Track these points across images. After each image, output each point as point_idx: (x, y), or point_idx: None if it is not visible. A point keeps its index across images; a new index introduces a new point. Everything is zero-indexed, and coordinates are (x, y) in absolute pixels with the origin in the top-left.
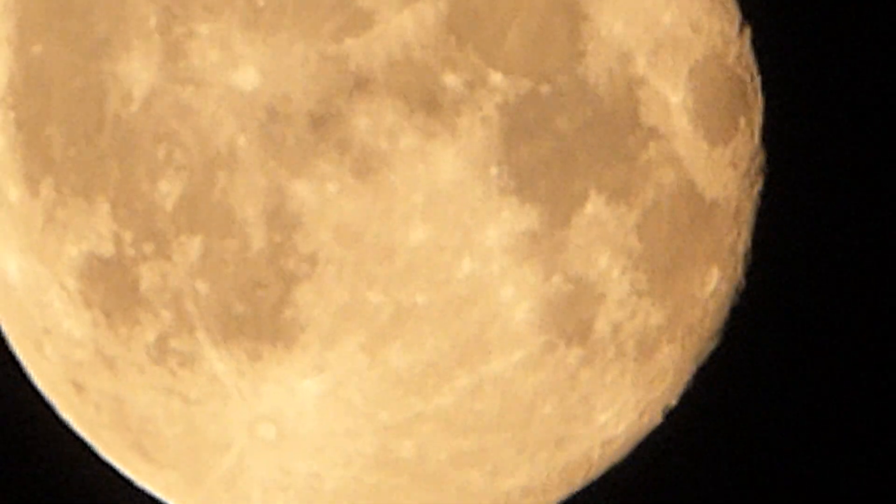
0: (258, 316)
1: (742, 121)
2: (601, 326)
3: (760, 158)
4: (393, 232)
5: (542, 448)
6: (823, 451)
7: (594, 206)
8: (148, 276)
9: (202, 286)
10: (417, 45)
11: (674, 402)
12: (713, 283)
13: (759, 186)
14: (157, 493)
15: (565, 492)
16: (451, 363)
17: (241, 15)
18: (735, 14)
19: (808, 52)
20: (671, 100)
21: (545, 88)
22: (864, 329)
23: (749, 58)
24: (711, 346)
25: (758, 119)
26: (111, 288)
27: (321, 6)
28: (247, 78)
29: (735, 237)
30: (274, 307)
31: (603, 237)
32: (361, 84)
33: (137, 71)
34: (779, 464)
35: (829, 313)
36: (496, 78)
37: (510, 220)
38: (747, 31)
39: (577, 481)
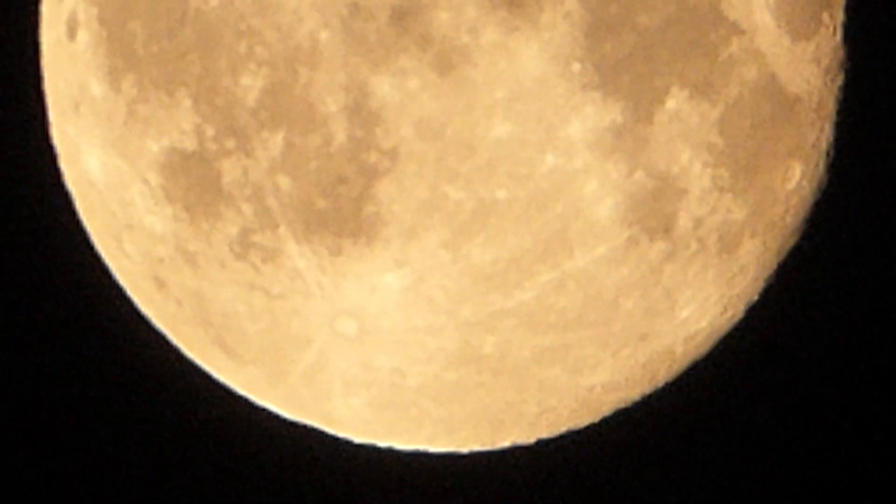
0: (339, 211)
1: (825, 16)
2: (683, 221)
3: (842, 54)
4: (474, 127)
5: (624, 344)
6: None
7: (676, 101)
8: (230, 171)
9: (284, 181)
10: None
11: (756, 297)
12: (795, 179)
13: (840, 82)
14: (238, 389)
15: (648, 387)
16: (533, 259)
17: None
18: None
19: None
20: None
21: None
22: None
23: None
24: (793, 241)
25: (840, 15)
26: (193, 183)
27: None
28: None
29: (818, 133)
30: (355, 202)
31: (685, 132)
32: None
33: None
34: (862, 357)
35: None
36: None
37: (593, 115)
38: None
39: (660, 377)
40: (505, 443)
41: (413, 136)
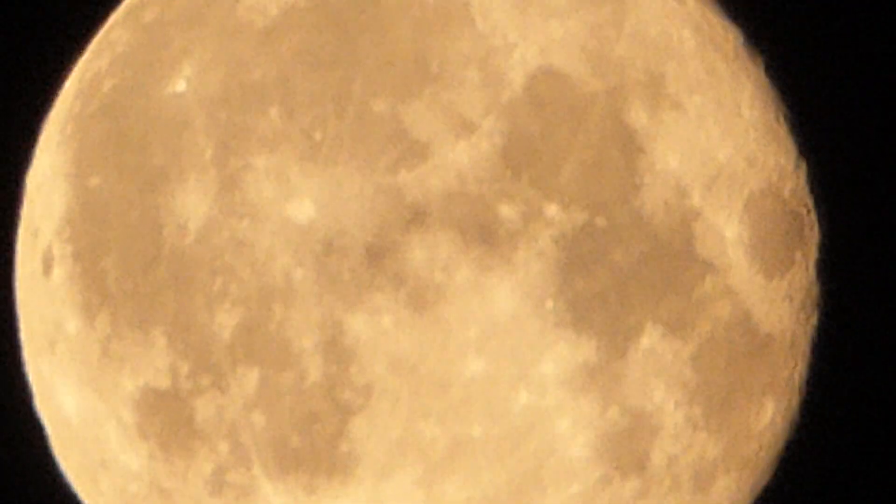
0: (314, 449)
1: (798, 254)
2: (657, 459)
3: (816, 291)
4: (448, 365)
5: None
6: None
7: (650, 338)
8: (204, 409)
9: (259, 419)
10: (473, 177)
11: None
12: (768, 416)
13: (814, 319)
14: None
15: None
16: (507, 497)
17: (297, 148)
18: (791, 148)
19: (865, 187)
20: (726, 233)
21: (601, 221)
22: None
23: (805, 192)
24: (767, 478)
25: (813, 252)
26: (168, 420)
27: (377, 139)
28: (302, 210)
29: (791, 370)
30: (330, 440)
31: (659, 370)
32: (417, 217)
33: (193, 204)
34: None
35: (886, 447)
36: (552, 210)
37: (566, 352)
38: (803, 166)
39: None
40: None
41: (387, 373)
